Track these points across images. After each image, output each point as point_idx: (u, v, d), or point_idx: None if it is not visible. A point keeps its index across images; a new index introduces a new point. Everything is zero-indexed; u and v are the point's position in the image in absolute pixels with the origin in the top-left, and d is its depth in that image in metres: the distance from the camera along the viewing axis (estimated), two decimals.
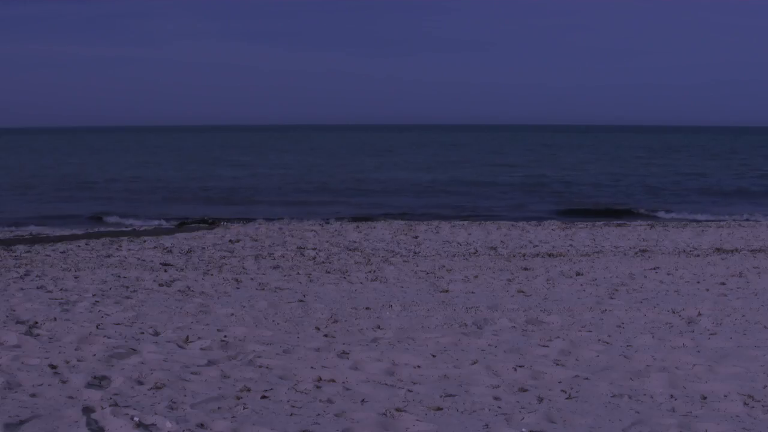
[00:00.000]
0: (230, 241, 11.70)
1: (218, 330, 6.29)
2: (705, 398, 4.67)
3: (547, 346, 5.80)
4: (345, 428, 4.18)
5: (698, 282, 8.53)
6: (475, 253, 10.63)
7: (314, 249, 10.88)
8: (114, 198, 21.94)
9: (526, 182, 28.04)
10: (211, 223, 14.60)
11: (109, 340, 5.91)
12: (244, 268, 9.31)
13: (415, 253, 10.68)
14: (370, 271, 9.12)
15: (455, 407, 4.50)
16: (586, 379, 5.03)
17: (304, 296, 7.70)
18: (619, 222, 15.37)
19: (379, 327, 6.41)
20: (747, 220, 16.56)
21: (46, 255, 10.26)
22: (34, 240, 11.15)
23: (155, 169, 33.95)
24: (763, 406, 4.52)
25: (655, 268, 9.35)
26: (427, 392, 4.76)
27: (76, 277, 8.63)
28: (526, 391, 4.79)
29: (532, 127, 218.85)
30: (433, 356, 5.55)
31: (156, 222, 15.56)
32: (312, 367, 5.24)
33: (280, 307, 7.16)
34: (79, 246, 10.96)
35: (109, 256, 10.19)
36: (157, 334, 6.17)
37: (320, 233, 12.61)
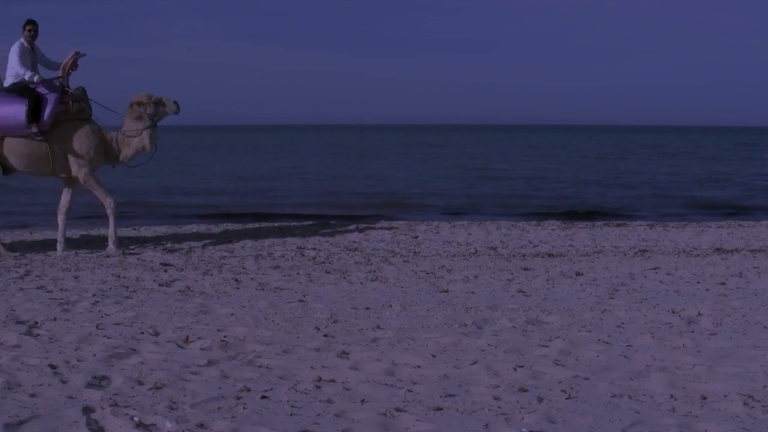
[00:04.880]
0: (230, 240, 11.71)
1: (218, 330, 6.29)
2: (705, 398, 4.68)
3: (547, 346, 5.80)
4: (345, 428, 4.19)
5: (698, 282, 8.53)
6: (475, 253, 10.63)
7: (314, 249, 10.89)
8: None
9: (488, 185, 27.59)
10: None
11: (109, 340, 5.91)
12: (244, 268, 9.32)
13: (415, 253, 10.68)
14: (370, 271, 9.12)
15: (455, 407, 4.51)
16: (586, 379, 5.03)
17: (304, 296, 7.71)
18: (618, 222, 15.35)
19: (379, 327, 6.42)
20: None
21: (46, 255, 10.27)
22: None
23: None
24: (763, 406, 4.53)
25: (655, 268, 9.35)
26: (427, 392, 4.77)
27: (76, 277, 8.63)
28: (526, 391, 4.80)
29: (532, 127, 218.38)
30: (433, 356, 5.56)
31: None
32: (312, 367, 5.25)
33: (280, 307, 7.17)
34: (78, 246, 10.96)
35: (108, 256, 10.20)
36: (157, 334, 6.18)
37: (320, 233, 12.61)
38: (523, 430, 4.17)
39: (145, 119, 10.68)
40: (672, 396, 4.72)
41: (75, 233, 12.30)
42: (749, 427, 4.24)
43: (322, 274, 8.98)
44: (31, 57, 10.48)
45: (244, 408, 4.47)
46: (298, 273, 9.02)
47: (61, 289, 7.92)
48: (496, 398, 4.66)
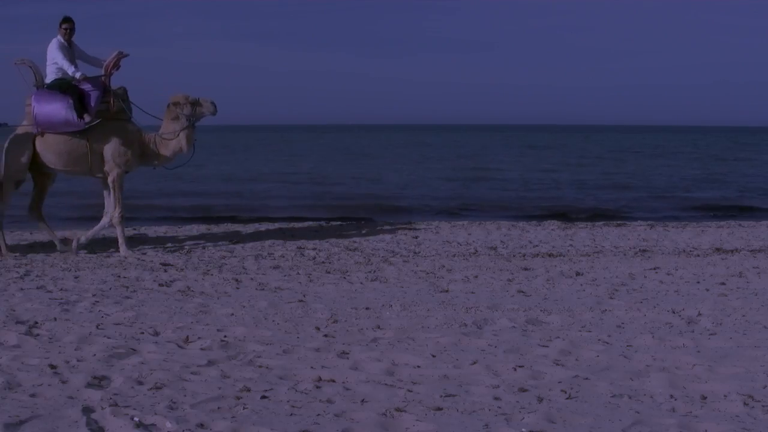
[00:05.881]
0: (230, 240, 11.71)
1: (218, 330, 6.29)
2: (705, 398, 4.68)
3: (547, 346, 5.80)
4: (345, 428, 4.19)
5: (698, 282, 8.53)
6: (475, 253, 10.63)
7: (314, 249, 10.89)
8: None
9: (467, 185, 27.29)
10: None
11: (109, 340, 5.91)
12: (244, 268, 9.32)
13: (415, 253, 10.68)
14: (370, 271, 9.12)
15: (455, 407, 4.51)
16: (586, 379, 5.04)
17: (304, 296, 7.71)
18: (618, 222, 15.35)
19: (379, 327, 6.42)
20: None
21: (46, 255, 10.27)
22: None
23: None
24: (763, 406, 4.53)
25: (655, 268, 9.35)
26: (427, 392, 4.77)
27: (76, 277, 8.63)
28: (526, 391, 4.80)
29: (532, 127, 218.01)
30: (433, 356, 5.56)
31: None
32: (312, 367, 5.25)
33: (280, 307, 7.17)
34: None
35: (109, 256, 10.20)
36: (157, 334, 6.18)
37: (320, 233, 12.62)
38: (523, 430, 4.17)
39: (182, 120, 10.60)
40: (672, 396, 4.72)
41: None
42: (749, 427, 4.24)
43: (322, 274, 8.98)
44: (69, 53, 10.47)
45: (244, 408, 4.47)
46: (298, 273, 9.03)
47: (61, 289, 7.92)
48: (496, 398, 4.66)
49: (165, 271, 9.13)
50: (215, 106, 10.69)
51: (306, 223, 14.28)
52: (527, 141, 79.00)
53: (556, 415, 4.38)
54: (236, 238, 11.91)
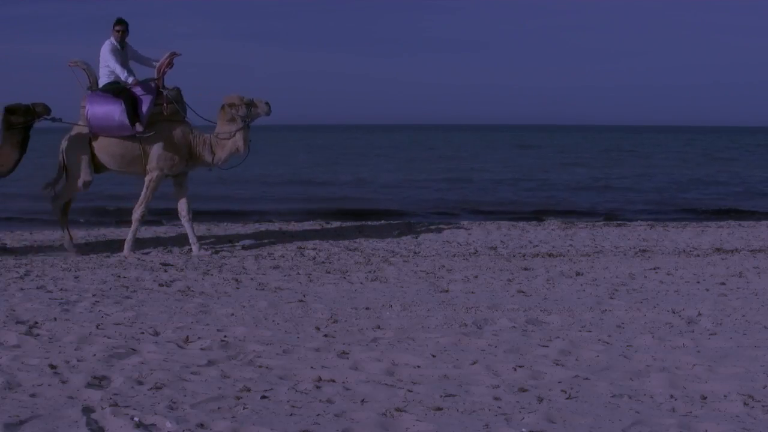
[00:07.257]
0: (229, 241, 11.71)
1: (218, 330, 6.29)
2: (705, 398, 4.69)
3: (547, 346, 5.81)
4: (345, 428, 4.20)
5: (698, 282, 8.53)
6: (475, 253, 10.63)
7: (314, 249, 10.89)
8: None
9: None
10: None
11: (109, 340, 5.92)
12: (244, 268, 9.32)
13: (415, 253, 10.68)
14: (370, 271, 9.12)
15: (455, 407, 4.51)
16: (586, 379, 5.04)
17: (304, 296, 7.71)
18: (618, 222, 15.35)
19: (379, 327, 6.42)
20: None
21: (46, 255, 10.27)
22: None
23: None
24: (763, 406, 4.53)
25: (655, 268, 9.35)
26: (427, 392, 4.77)
27: (76, 277, 8.63)
28: (526, 391, 4.80)
29: (532, 127, 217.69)
30: (433, 356, 5.56)
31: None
32: (312, 367, 5.25)
33: (280, 307, 7.17)
34: (79, 247, 10.94)
35: (108, 256, 10.20)
36: (157, 334, 6.18)
37: (320, 233, 12.62)
38: (523, 430, 4.17)
39: (238, 121, 10.62)
40: (672, 396, 4.72)
41: (72, 234, 12.28)
42: (749, 427, 4.24)
43: (322, 274, 8.99)
44: (122, 57, 10.48)
45: (244, 408, 4.48)
46: (298, 273, 9.03)
47: (61, 289, 7.92)
48: (496, 398, 4.66)
49: (165, 271, 9.13)
50: (269, 107, 10.74)
51: (306, 223, 14.28)
52: (525, 141, 78.94)
53: (556, 415, 4.38)
54: (236, 238, 11.90)
